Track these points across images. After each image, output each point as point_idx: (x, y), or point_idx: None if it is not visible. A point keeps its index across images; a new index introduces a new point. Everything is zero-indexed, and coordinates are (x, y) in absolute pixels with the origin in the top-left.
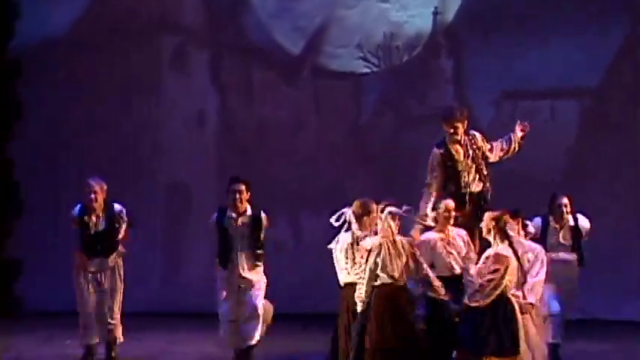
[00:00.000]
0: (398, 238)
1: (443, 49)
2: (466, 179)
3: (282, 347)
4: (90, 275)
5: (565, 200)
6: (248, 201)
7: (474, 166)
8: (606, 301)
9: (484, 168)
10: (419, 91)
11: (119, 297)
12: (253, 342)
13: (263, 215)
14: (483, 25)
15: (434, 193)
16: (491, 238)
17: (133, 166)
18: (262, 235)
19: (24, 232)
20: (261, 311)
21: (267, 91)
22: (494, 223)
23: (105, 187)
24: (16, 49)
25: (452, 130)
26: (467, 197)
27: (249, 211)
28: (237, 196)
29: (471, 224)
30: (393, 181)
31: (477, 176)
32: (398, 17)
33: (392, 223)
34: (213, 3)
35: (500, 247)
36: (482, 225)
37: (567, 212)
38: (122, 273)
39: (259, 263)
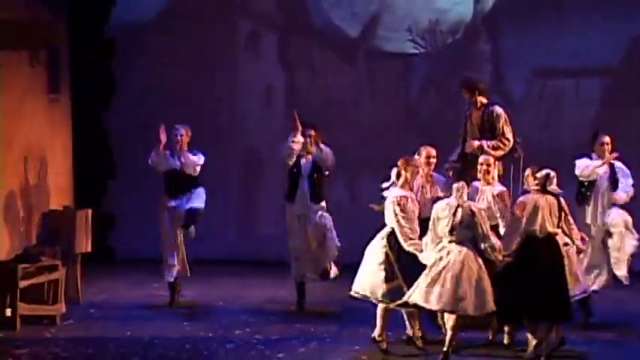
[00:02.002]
0: None
1: (482, 33)
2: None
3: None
4: (170, 213)
5: (607, 139)
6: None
7: (478, 133)
8: None
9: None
10: (460, 71)
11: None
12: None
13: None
14: (517, 12)
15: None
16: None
17: (213, 133)
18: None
19: (116, 191)
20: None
21: (328, 69)
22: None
23: (189, 132)
24: (111, 31)
25: (469, 99)
26: (467, 156)
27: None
28: (309, 139)
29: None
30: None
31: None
32: (442, 5)
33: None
34: None
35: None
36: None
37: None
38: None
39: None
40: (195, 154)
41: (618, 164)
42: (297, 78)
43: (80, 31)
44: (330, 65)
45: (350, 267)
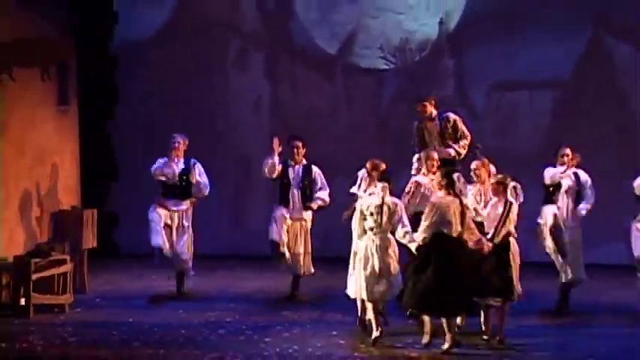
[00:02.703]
0: None
1: (446, 51)
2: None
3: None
4: (165, 214)
5: (568, 150)
6: (304, 155)
7: (439, 140)
8: None
9: (452, 143)
10: (427, 84)
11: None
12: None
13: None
14: (477, 32)
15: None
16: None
17: (207, 138)
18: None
19: (119, 192)
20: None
21: (309, 83)
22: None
23: (186, 140)
24: (114, 48)
25: (421, 111)
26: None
27: (304, 162)
28: (296, 150)
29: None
30: (405, 155)
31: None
32: (411, 26)
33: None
34: (268, 13)
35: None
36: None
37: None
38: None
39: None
40: (194, 164)
41: (583, 175)
42: (281, 90)
43: (86, 49)
44: (310, 79)
45: (328, 260)
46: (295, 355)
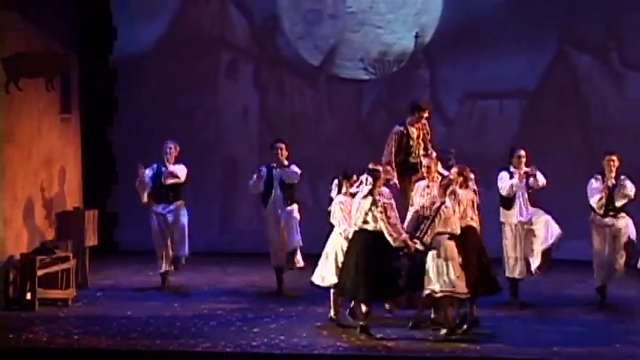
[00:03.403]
0: None
1: (422, 62)
2: (416, 152)
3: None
4: (158, 218)
5: (522, 152)
6: (286, 157)
7: (422, 144)
8: None
9: (430, 147)
10: (404, 93)
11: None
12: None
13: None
14: (451, 45)
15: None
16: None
17: (200, 144)
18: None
19: (119, 194)
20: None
21: (295, 92)
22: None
23: (178, 146)
24: (114, 61)
25: (417, 116)
26: (418, 166)
27: (285, 163)
28: (279, 151)
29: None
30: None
31: (424, 152)
32: (389, 39)
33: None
34: (257, 28)
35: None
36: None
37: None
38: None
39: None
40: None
41: (536, 177)
42: (269, 99)
43: (88, 62)
44: (296, 89)
45: (313, 257)
46: (282, 345)
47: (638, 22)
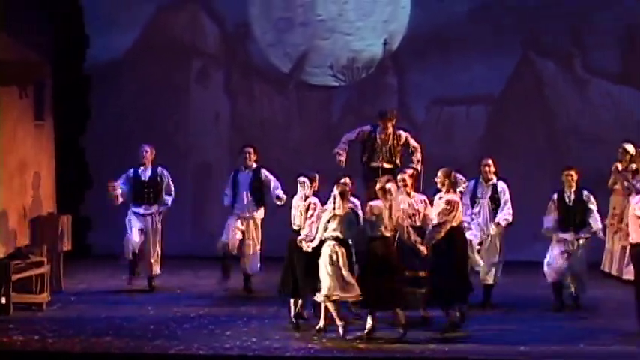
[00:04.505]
0: None
1: (390, 69)
2: (380, 159)
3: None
4: (139, 218)
5: (489, 161)
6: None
7: (388, 152)
8: None
9: (397, 157)
10: (373, 100)
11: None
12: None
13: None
14: (418, 52)
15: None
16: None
17: (172, 149)
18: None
19: (92, 199)
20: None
21: (264, 98)
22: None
23: (153, 150)
24: (87, 69)
25: (382, 126)
26: (379, 171)
27: (254, 166)
28: (247, 155)
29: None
30: (353, 164)
31: (389, 159)
32: (358, 46)
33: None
34: (228, 36)
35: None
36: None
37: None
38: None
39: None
40: (162, 171)
41: (501, 185)
42: (239, 105)
43: (62, 70)
44: (266, 95)
45: (280, 259)
46: (254, 348)
47: (601, 29)
